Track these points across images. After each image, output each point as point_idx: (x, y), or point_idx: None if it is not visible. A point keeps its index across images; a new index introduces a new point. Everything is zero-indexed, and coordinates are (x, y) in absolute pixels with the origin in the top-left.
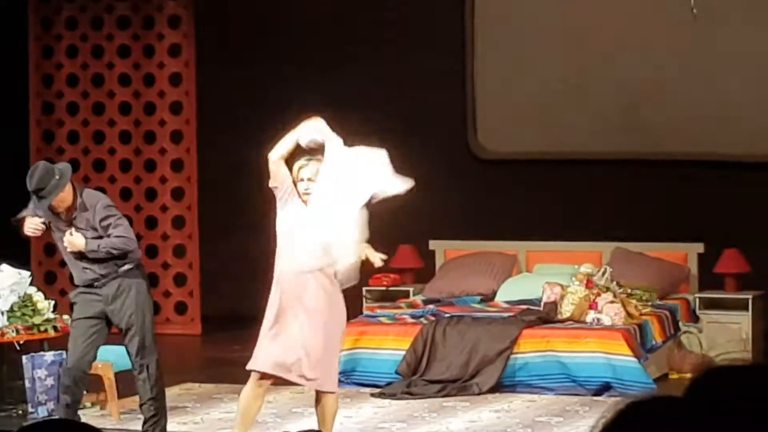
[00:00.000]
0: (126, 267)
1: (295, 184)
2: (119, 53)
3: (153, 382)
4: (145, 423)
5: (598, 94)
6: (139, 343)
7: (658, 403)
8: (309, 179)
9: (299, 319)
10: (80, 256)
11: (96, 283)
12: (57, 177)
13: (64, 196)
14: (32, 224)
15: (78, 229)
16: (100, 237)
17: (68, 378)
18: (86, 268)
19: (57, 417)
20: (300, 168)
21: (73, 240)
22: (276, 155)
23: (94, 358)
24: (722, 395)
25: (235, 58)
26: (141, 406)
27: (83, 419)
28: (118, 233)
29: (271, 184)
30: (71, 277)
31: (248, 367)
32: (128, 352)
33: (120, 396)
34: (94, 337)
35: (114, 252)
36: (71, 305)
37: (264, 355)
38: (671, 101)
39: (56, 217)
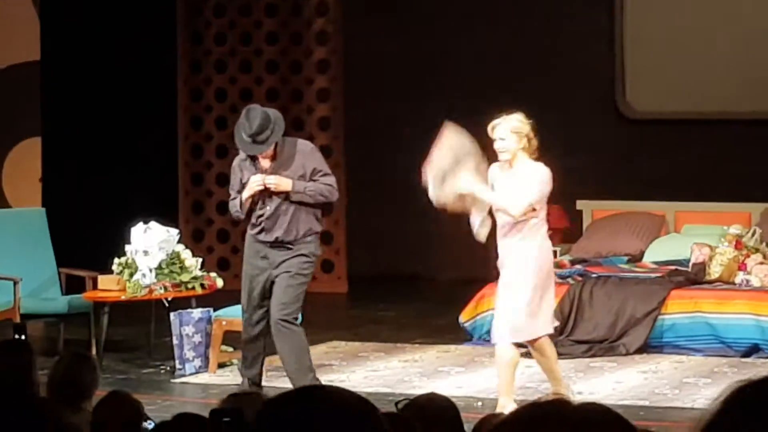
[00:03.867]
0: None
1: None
2: (267, 40)
3: None
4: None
5: (750, 53)
6: None
7: None
8: (501, 138)
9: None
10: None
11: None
12: (273, 123)
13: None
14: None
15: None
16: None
17: None
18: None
19: None
20: (493, 128)
21: (279, 181)
22: (519, 209)
23: None
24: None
25: (383, 47)
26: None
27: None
28: (327, 181)
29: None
30: (219, 235)
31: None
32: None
33: None
34: None
35: (320, 198)
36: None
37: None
38: None
39: (254, 166)
